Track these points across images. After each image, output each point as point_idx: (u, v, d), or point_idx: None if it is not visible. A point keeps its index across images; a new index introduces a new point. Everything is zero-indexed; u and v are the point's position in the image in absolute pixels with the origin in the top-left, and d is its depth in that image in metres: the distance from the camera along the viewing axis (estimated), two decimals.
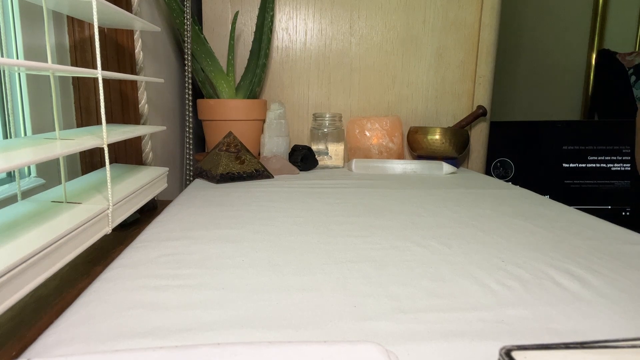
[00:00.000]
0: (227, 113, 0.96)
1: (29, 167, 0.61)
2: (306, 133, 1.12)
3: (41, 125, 0.61)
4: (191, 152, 0.94)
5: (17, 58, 0.57)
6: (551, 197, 1.32)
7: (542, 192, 1.33)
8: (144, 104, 0.73)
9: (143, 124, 0.73)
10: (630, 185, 1.29)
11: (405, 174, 0.95)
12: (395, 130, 1.06)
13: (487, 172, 1.33)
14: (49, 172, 0.63)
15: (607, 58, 1.60)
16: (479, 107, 1.07)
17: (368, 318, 0.32)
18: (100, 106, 0.47)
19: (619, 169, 1.29)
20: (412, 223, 0.57)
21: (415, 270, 0.41)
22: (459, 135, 1.01)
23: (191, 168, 0.92)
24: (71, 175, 0.68)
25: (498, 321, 0.32)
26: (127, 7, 0.69)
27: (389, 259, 0.44)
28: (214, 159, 0.83)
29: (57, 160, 0.64)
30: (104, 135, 0.48)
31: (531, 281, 0.39)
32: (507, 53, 1.69)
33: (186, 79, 0.92)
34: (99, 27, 0.48)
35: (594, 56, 1.67)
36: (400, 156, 1.08)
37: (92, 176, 0.62)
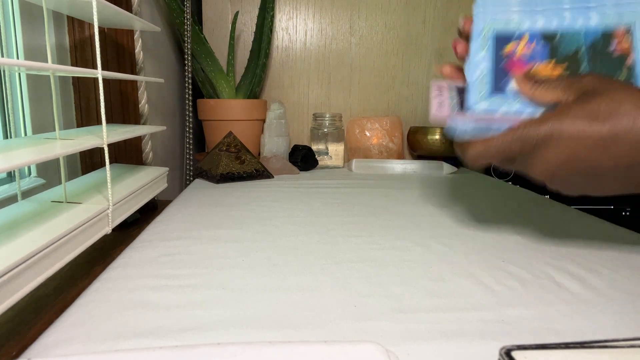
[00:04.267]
0: (227, 113, 0.96)
1: (29, 167, 0.61)
2: (306, 133, 1.12)
3: (41, 125, 0.61)
4: (191, 152, 0.94)
5: (17, 58, 0.57)
6: (551, 197, 1.32)
7: (542, 192, 1.33)
8: (144, 104, 0.73)
9: (143, 124, 0.73)
10: None
11: (405, 174, 0.95)
12: (395, 130, 1.06)
13: (487, 172, 1.33)
14: (49, 172, 0.63)
15: None
16: None
17: (368, 318, 0.32)
18: (100, 106, 0.47)
19: None
20: (412, 223, 0.57)
21: (415, 270, 0.41)
22: None
23: (191, 168, 0.92)
24: (71, 175, 0.68)
25: (498, 321, 0.32)
26: (127, 7, 0.69)
27: (389, 259, 0.44)
28: (214, 159, 0.83)
29: (57, 160, 0.64)
30: (104, 135, 0.48)
31: (531, 281, 0.39)
32: None
33: (186, 79, 0.92)
34: (99, 27, 0.48)
35: None
36: (400, 156, 1.07)
37: (92, 176, 0.62)
